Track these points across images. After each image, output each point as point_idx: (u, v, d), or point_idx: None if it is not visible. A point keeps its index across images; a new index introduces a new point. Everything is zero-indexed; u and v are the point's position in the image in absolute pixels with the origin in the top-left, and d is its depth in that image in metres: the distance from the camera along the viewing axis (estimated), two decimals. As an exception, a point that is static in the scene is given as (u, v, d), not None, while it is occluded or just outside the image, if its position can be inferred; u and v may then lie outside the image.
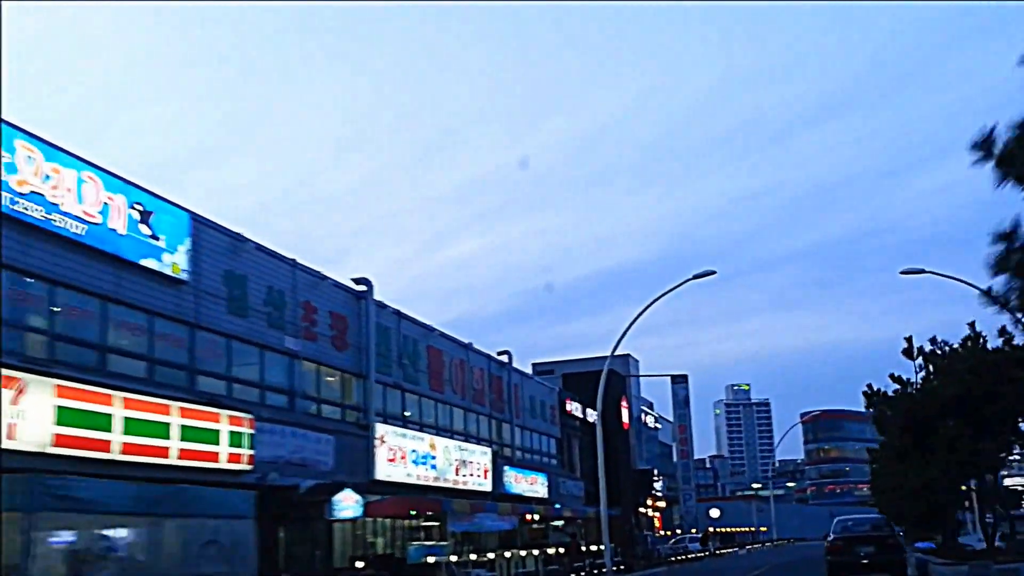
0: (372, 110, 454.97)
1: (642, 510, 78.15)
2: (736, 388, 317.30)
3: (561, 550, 42.04)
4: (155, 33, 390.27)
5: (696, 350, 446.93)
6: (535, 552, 38.37)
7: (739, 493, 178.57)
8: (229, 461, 22.94)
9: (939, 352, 28.89)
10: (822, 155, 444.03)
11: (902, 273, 31.73)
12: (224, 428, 22.81)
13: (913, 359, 29.87)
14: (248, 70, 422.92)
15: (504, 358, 47.92)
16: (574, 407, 59.90)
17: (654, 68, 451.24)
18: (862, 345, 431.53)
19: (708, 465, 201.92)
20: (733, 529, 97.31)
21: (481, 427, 44.15)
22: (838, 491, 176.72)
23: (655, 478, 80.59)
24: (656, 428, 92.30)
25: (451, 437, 38.94)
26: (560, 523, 48.47)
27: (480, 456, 40.19)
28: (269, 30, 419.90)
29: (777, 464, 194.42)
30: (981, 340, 26.45)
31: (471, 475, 38.70)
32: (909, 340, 30.25)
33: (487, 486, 40.32)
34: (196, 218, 24.79)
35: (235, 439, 23.34)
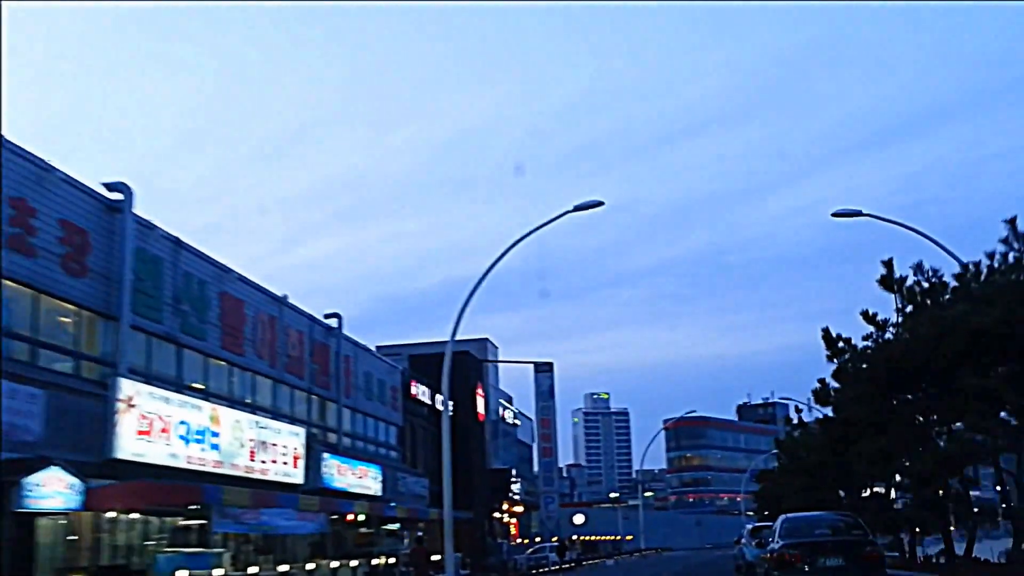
0: (217, 106, 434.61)
1: (497, 515, 70.20)
2: (595, 397, 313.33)
3: (392, 560, 33.27)
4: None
5: (555, 361, 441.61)
6: (353, 563, 29.50)
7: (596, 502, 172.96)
8: None
9: (927, 284, 21.46)
10: (681, 172, 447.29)
11: (834, 215, 25.09)
12: None
13: (893, 292, 22.40)
14: (84, 60, 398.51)
15: (333, 322, 38.86)
16: (421, 391, 51.19)
17: (518, 75, 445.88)
18: (722, 359, 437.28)
19: (566, 474, 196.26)
20: (597, 537, 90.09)
21: (297, 404, 35.07)
22: (692, 499, 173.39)
23: (513, 479, 72.38)
24: (515, 425, 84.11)
25: (252, 412, 29.86)
26: (396, 526, 39.81)
27: (288, 437, 31.11)
28: (109, 21, 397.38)
29: (635, 474, 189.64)
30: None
31: (274, 461, 29.63)
32: (888, 264, 22.74)
33: (298, 477, 31.30)
34: None
35: None
